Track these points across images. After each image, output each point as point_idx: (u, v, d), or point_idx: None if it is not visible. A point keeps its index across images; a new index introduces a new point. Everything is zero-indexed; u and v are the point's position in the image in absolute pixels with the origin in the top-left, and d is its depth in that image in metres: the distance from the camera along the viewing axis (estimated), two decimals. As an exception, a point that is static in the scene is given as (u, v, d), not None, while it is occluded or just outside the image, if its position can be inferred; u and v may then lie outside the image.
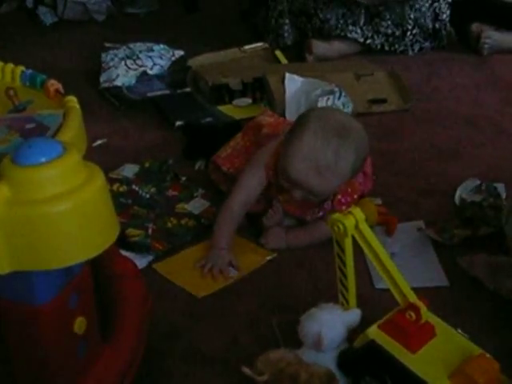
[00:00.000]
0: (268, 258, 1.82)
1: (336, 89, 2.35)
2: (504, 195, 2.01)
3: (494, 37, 2.88)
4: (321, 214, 1.85)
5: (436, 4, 2.89)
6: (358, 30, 2.84)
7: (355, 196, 1.84)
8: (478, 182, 2.04)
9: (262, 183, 1.84)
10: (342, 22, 2.83)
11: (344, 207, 1.78)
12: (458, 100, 2.59)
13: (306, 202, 1.80)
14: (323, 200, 1.83)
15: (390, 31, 2.87)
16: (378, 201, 1.99)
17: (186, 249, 1.85)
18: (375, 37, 2.86)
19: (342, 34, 2.83)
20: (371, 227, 1.51)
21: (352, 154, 1.70)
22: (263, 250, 1.84)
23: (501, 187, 2.04)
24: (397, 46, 2.90)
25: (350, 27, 2.83)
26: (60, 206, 1.07)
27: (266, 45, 2.89)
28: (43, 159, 1.08)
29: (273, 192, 1.86)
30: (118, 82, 2.57)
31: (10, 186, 1.06)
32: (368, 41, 2.85)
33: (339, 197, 1.82)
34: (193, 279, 1.74)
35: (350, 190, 1.83)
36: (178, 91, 2.58)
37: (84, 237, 1.10)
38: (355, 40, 2.86)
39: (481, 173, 2.11)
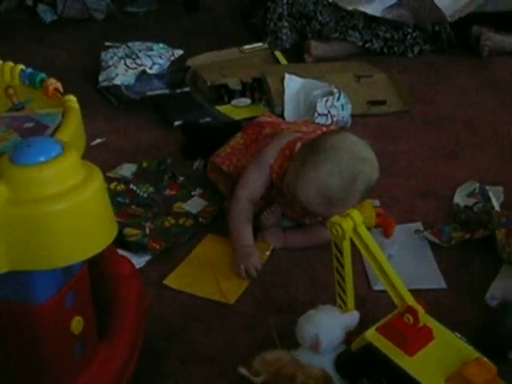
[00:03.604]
0: (267, 253, 1.82)
1: (335, 90, 2.35)
2: (502, 198, 2.00)
3: (493, 39, 2.88)
4: (320, 218, 1.85)
5: (436, 7, 2.88)
6: (357, 34, 2.83)
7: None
8: (477, 185, 2.04)
9: (266, 183, 1.84)
10: (341, 25, 2.82)
11: None
12: (457, 102, 2.59)
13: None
14: None
15: (388, 35, 2.86)
16: (376, 202, 1.99)
17: (184, 251, 1.83)
18: (374, 40, 2.86)
19: (341, 37, 2.82)
20: (369, 229, 1.51)
21: (363, 187, 1.72)
22: (261, 243, 1.83)
23: (499, 190, 2.04)
24: (396, 48, 2.89)
25: (350, 31, 2.82)
26: (58, 206, 1.06)
27: (266, 45, 2.88)
28: (42, 158, 1.07)
29: (274, 194, 1.85)
30: (117, 81, 2.57)
31: (7, 186, 1.06)
32: (367, 44, 2.85)
33: None
34: (214, 286, 1.73)
35: None
36: (177, 91, 2.57)
37: (82, 236, 1.10)
38: (354, 42, 2.85)
39: (479, 175, 2.11)
